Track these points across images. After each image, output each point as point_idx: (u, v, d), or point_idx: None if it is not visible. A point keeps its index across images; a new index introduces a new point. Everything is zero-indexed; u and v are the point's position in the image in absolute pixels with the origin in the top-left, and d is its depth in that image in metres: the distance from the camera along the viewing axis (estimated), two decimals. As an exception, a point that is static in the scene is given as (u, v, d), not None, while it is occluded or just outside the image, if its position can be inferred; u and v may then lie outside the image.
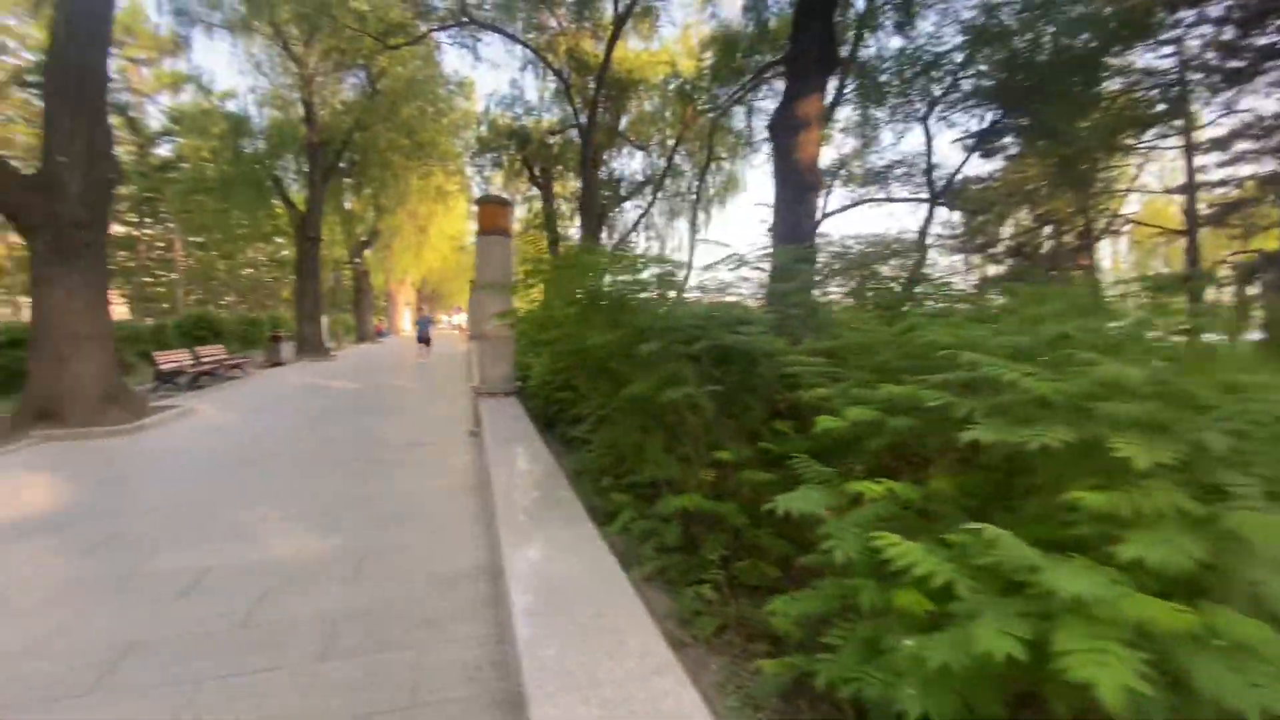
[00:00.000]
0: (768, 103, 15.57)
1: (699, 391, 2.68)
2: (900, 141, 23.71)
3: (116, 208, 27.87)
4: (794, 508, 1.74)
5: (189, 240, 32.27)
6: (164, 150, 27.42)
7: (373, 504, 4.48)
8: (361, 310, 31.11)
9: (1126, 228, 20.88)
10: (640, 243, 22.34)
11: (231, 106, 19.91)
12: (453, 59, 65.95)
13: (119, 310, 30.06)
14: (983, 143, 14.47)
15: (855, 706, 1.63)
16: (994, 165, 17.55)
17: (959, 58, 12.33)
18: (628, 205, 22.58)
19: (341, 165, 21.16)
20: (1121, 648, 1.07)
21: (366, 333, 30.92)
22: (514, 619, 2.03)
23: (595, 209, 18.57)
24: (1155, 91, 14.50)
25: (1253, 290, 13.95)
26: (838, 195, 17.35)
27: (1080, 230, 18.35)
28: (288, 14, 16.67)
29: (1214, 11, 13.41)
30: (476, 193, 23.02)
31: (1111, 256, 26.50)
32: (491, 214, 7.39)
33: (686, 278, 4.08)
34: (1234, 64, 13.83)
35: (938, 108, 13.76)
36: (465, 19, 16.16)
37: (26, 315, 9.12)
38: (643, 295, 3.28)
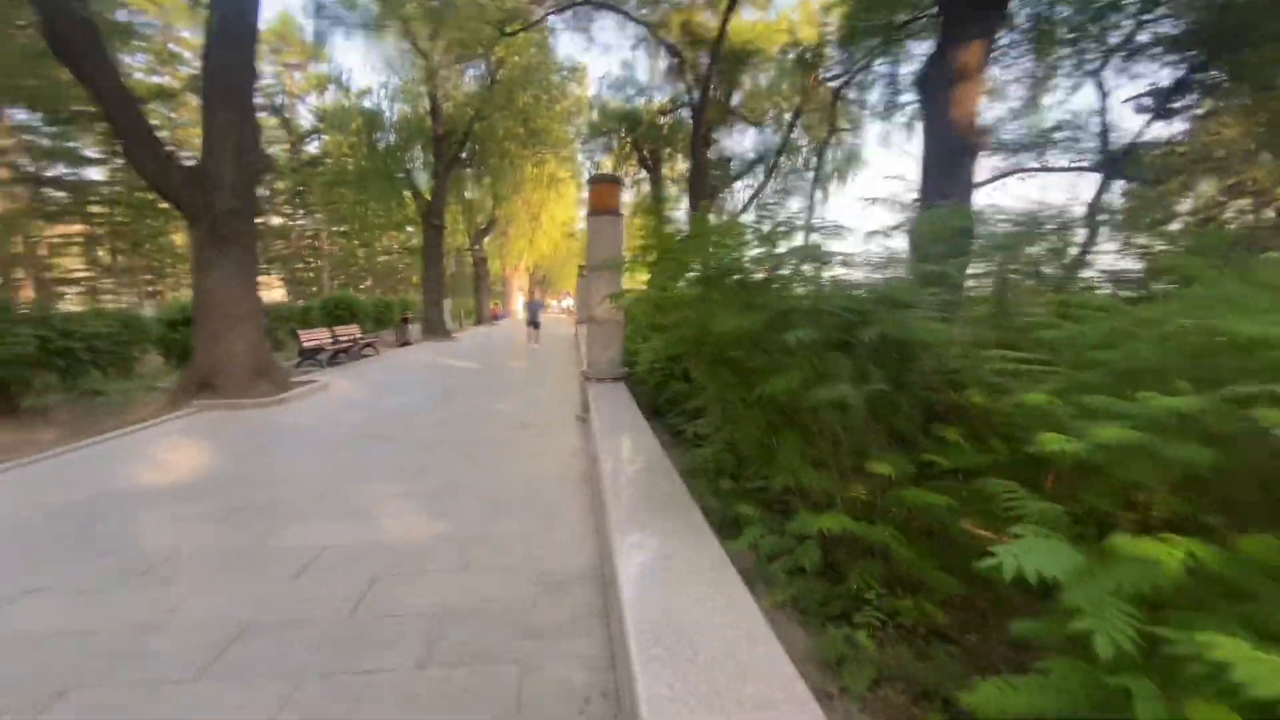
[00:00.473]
0: (903, 68, 14.06)
1: (858, 391, 2.16)
2: (1067, 101, 20.80)
3: (274, 200, 31.56)
4: (1034, 568, 1.18)
5: (333, 230, 35.78)
6: (312, 147, 30.41)
7: (484, 488, 4.44)
8: (480, 294, 32.98)
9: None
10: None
11: (366, 103, 21.45)
12: (565, 45, 67.59)
13: (277, 293, 34.19)
14: (1168, 100, 12.00)
15: None
16: (1175, 128, 14.63)
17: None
18: (738, 185, 21.76)
19: (463, 155, 22.15)
20: None
21: (484, 316, 32.79)
22: (630, 655, 1.68)
23: (704, 189, 18.01)
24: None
25: None
26: (983, 166, 15.36)
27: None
28: (415, 8, 17.53)
29: None
30: (586, 178, 23.38)
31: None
32: (603, 193, 7.15)
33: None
34: None
35: (1114, 58, 11.58)
36: (580, -1, 16.17)
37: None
38: (784, 272, 2.78)
